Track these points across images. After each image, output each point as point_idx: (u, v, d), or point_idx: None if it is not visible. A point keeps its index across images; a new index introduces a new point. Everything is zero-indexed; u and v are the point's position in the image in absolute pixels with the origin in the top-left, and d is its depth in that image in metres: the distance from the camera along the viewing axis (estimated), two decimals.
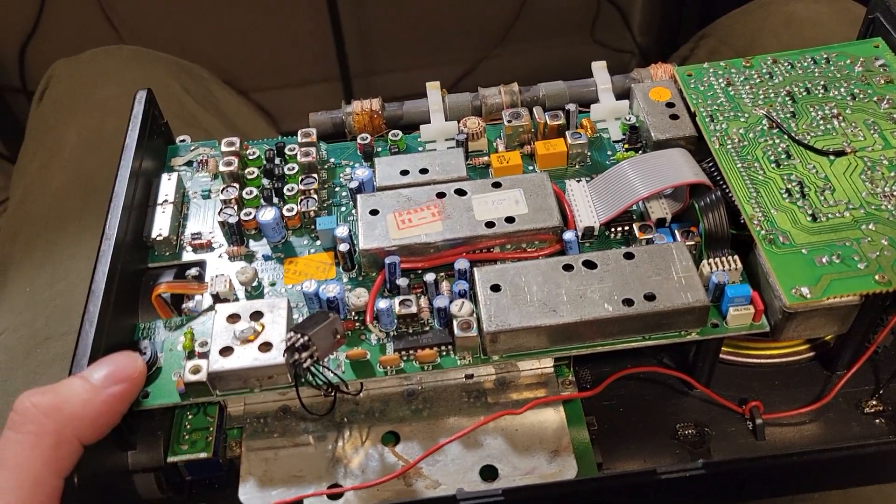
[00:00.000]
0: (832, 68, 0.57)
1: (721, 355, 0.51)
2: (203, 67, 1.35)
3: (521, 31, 1.55)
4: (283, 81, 1.56)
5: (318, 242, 0.53)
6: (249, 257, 0.53)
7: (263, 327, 0.46)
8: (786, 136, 0.53)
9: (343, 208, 0.55)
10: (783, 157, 0.52)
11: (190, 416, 0.48)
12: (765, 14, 0.84)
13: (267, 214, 0.52)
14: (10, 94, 1.42)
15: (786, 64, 0.57)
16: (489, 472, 0.46)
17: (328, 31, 1.48)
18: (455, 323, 0.46)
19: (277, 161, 0.57)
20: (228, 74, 1.49)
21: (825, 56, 0.58)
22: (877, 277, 0.45)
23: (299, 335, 0.43)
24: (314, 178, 0.55)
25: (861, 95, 0.55)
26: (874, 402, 0.51)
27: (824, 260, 0.46)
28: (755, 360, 0.53)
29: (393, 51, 1.56)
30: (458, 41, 1.56)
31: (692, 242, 0.50)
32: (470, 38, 1.55)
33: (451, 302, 0.47)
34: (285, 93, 1.57)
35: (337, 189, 0.56)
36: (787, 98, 0.55)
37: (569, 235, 0.50)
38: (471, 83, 1.58)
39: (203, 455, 0.46)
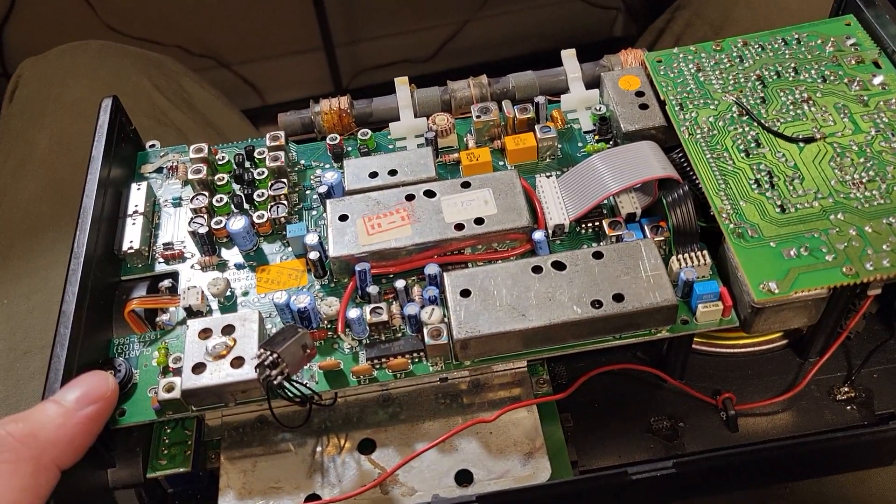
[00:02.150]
0: (803, 49, 0.56)
1: (695, 346, 0.52)
2: (180, 48, 1.33)
3: None
4: (267, 53, 1.54)
5: (290, 249, 0.53)
6: (222, 266, 0.53)
7: (235, 342, 0.46)
8: (755, 124, 0.52)
9: (314, 212, 0.55)
10: (752, 145, 0.51)
11: (168, 431, 0.49)
12: None
13: (237, 223, 0.52)
14: None
15: (756, 46, 0.57)
16: (464, 477, 0.46)
17: (309, 0, 1.46)
18: (425, 330, 0.46)
19: (247, 165, 0.57)
20: (211, 48, 1.48)
21: (796, 36, 0.57)
22: (844, 270, 0.45)
23: (269, 352, 0.43)
24: (284, 182, 0.55)
25: (832, 77, 0.54)
26: (846, 389, 0.51)
27: (792, 253, 0.46)
28: (729, 350, 0.53)
29: (375, 17, 1.54)
30: (441, 4, 1.53)
31: (662, 238, 0.50)
32: (453, 1, 1.53)
33: (421, 308, 0.47)
34: (269, 64, 1.55)
35: (308, 192, 0.56)
36: (757, 83, 0.54)
37: (538, 235, 0.50)
38: (456, 46, 1.58)
39: (182, 470, 0.47)
